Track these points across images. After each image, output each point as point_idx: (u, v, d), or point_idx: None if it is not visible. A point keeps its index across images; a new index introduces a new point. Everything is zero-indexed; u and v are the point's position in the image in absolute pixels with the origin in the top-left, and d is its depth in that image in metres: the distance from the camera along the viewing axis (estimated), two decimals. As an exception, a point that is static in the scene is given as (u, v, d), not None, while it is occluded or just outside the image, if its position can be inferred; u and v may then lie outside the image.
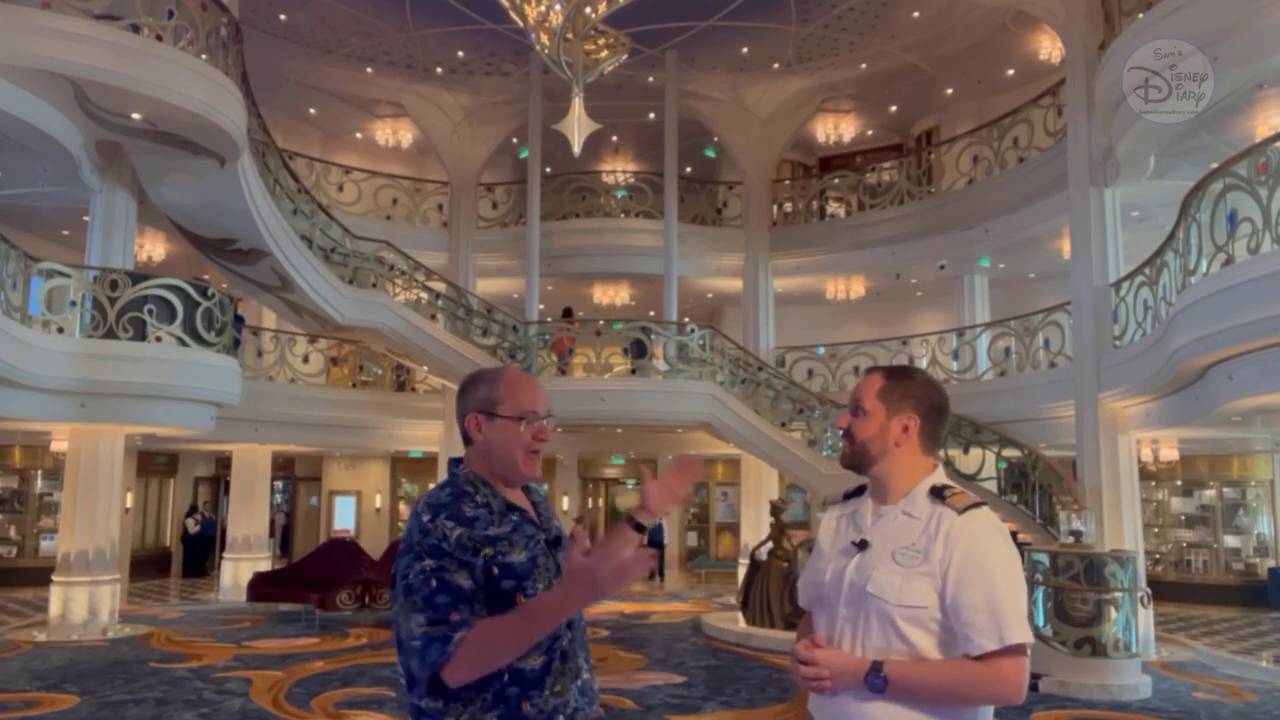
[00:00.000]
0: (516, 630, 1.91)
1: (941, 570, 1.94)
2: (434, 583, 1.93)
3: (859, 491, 2.23)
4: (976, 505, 2.01)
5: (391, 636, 2.07)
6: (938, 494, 2.05)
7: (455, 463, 2.17)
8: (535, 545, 2.07)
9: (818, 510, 12.22)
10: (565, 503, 19.25)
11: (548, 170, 16.77)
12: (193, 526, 18.73)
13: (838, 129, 16.85)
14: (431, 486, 2.16)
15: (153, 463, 18.22)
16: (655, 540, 19.63)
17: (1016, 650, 1.91)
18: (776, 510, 11.66)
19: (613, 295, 18.07)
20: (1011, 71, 14.77)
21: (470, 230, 16.73)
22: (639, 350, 14.48)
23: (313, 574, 12.43)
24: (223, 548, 16.20)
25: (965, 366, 13.99)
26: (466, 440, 2.16)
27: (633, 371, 14.42)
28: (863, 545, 2.05)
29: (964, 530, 1.97)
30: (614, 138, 17.99)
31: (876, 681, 1.93)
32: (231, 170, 10.19)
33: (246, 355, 14.09)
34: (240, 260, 12.08)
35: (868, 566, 2.02)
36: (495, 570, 1.98)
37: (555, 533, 2.17)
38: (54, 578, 11.01)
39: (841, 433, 2.18)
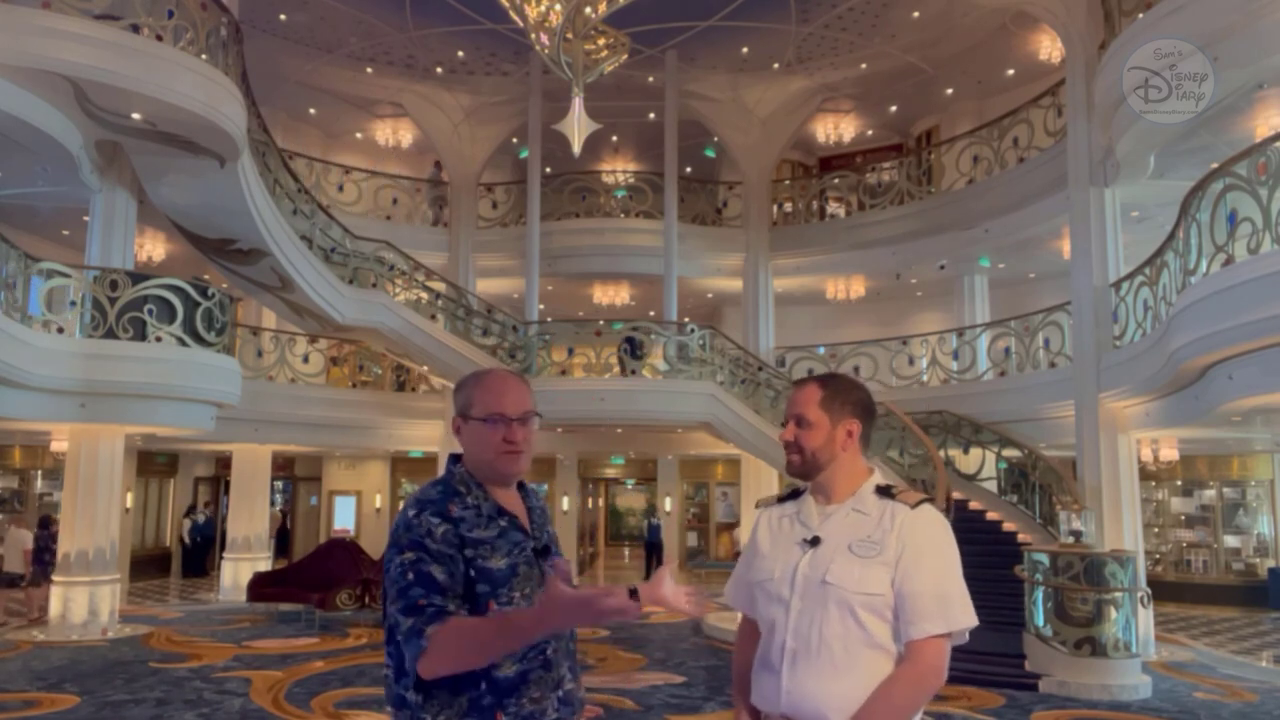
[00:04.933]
0: (486, 638, 1.90)
1: (895, 560, 2.08)
2: (410, 575, 1.94)
3: (794, 495, 2.34)
4: (925, 501, 2.16)
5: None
6: (885, 492, 2.20)
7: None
8: (519, 553, 2.05)
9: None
10: (565, 503, 19.21)
11: (548, 170, 16.76)
12: (188, 527, 18.73)
13: (838, 129, 16.85)
14: (425, 483, 2.17)
15: (153, 463, 18.22)
16: (654, 540, 19.64)
17: (944, 635, 2.05)
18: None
19: (613, 295, 18.06)
20: (1011, 71, 14.77)
21: (470, 230, 16.73)
22: (633, 350, 14.44)
23: (313, 574, 12.43)
24: (223, 548, 16.21)
25: (965, 366, 13.99)
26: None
27: (632, 372, 14.40)
28: (815, 542, 2.16)
29: (915, 523, 2.11)
30: (614, 138, 17.98)
31: None
32: (231, 170, 10.19)
33: (246, 355, 14.10)
34: (240, 260, 12.07)
35: (823, 560, 2.12)
36: (472, 573, 1.98)
37: (545, 540, 2.15)
38: (54, 577, 11.02)
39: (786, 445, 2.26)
